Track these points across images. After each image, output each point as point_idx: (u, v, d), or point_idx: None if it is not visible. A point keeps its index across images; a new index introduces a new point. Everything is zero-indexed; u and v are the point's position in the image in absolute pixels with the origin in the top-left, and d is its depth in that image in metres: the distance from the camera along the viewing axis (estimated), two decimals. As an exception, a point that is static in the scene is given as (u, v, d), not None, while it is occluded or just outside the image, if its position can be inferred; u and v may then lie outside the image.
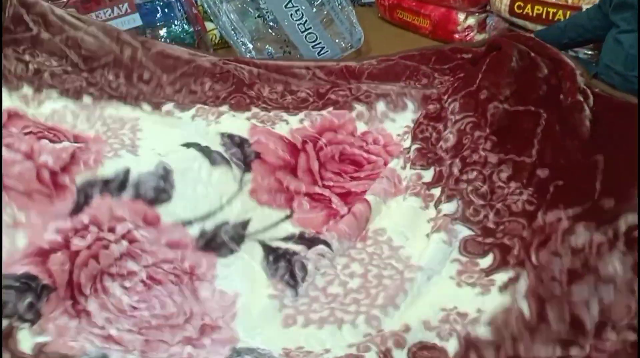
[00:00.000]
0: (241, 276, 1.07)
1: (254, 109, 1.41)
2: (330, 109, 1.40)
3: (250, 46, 1.74)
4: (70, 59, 1.43)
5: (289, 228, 1.16)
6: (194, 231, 1.11)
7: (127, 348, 0.91)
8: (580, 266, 0.92)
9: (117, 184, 1.11)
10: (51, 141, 1.15)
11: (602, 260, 0.91)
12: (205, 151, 1.21)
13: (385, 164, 1.28)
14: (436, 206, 1.16)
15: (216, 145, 1.25)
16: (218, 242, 1.11)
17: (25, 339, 0.88)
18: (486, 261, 1.04)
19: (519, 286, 0.94)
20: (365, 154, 1.33)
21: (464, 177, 1.16)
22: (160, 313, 0.98)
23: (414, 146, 1.27)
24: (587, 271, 0.91)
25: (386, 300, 1.00)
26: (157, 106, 1.39)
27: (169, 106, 1.39)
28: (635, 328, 0.84)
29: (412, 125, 1.34)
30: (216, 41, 1.94)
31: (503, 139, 1.18)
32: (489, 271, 1.02)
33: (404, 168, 1.25)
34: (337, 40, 1.73)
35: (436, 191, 1.19)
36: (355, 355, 0.89)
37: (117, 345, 0.91)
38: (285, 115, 1.40)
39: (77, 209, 1.08)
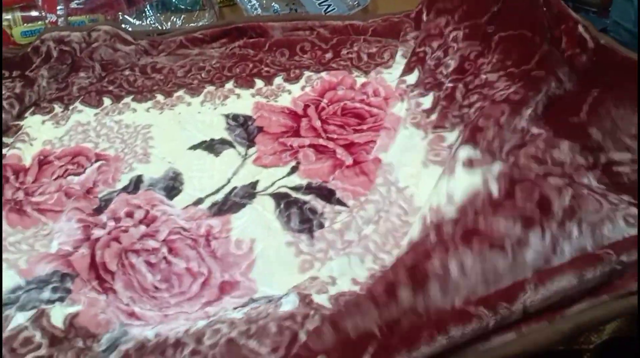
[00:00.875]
0: (256, 223, 1.13)
1: (258, 84, 1.50)
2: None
3: (257, 3, 1.79)
4: (95, 70, 1.58)
5: (297, 180, 1.22)
6: (205, 204, 1.19)
7: (147, 323, 0.96)
8: (559, 174, 0.94)
9: (132, 188, 1.23)
10: (75, 174, 1.28)
11: (578, 174, 0.93)
12: (210, 147, 1.32)
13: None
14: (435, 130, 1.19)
15: (221, 130, 1.36)
16: (229, 204, 1.18)
17: (57, 314, 0.94)
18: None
19: (493, 168, 0.94)
20: (367, 107, 1.38)
21: (466, 102, 1.19)
22: (179, 291, 1.03)
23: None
24: (564, 177, 0.93)
25: (393, 246, 1.05)
26: (169, 94, 1.50)
27: (180, 92, 1.50)
28: None
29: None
30: (220, -1, 1.94)
31: (505, 59, 1.21)
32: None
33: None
34: (344, -2, 1.76)
35: (434, 117, 1.22)
36: (358, 292, 0.93)
37: (139, 320, 0.97)
38: (287, 85, 1.48)
39: (98, 211, 1.18)
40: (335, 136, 1.32)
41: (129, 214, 1.16)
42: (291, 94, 1.47)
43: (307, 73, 1.51)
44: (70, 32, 1.64)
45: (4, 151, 1.35)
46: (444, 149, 1.16)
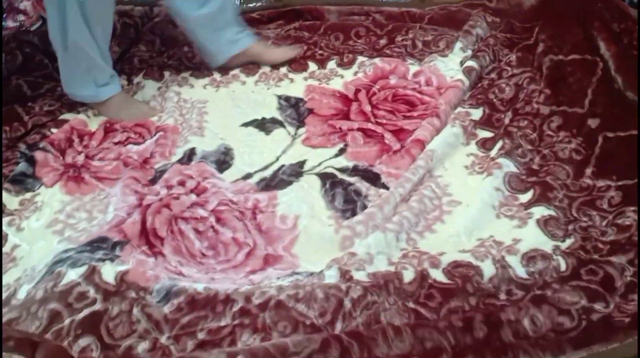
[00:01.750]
0: (301, 200, 1.18)
1: (311, 67, 1.54)
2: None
3: None
4: (156, 44, 1.65)
5: (343, 161, 1.27)
6: (254, 180, 1.25)
7: (194, 280, 1.03)
8: (625, 241, 0.99)
9: (185, 159, 1.30)
10: (136, 143, 1.36)
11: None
12: (261, 126, 1.38)
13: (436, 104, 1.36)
14: (482, 146, 1.26)
15: (273, 110, 1.42)
16: (277, 181, 1.24)
17: (108, 271, 0.99)
18: (526, 197, 1.13)
19: (563, 245, 1.02)
20: (418, 95, 1.41)
21: (515, 124, 1.26)
22: (224, 258, 1.09)
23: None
24: (631, 246, 0.97)
25: (425, 228, 1.11)
26: (225, 72, 1.56)
27: (235, 71, 1.56)
28: None
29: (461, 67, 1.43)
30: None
31: (556, 92, 1.27)
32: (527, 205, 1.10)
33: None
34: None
35: (481, 132, 1.28)
36: (394, 272, 0.98)
37: (186, 277, 1.03)
38: (340, 69, 1.52)
39: (153, 181, 1.24)
40: (384, 121, 1.35)
41: (181, 183, 1.21)
42: (343, 78, 1.50)
43: (360, 58, 1.54)
44: (134, 7, 1.71)
45: (70, 116, 1.42)
46: (487, 163, 1.21)
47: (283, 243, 1.10)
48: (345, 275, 0.96)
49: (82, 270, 0.98)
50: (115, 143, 1.36)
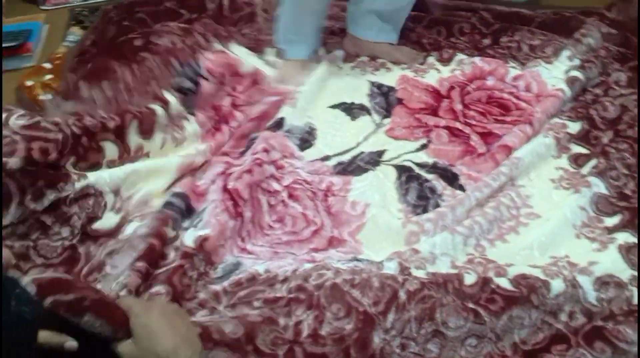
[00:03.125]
0: (374, 189, 1.19)
1: None
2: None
3: None
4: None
5: (423, 157, 1.27)
6: (331, 162, 1.28)
7: (258, 257, 1.07)
8: None
9: (274, 124, 1.34)
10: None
11: None
12: (348, 109, 1.40)
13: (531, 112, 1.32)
14: (574, 162, 1.22)
15: (363, 96, 1.44)
16: (354, 167, 1.26)
17: (189, 236, 1.04)
18: (612, 221, 1.08)
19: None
20: (514, 100, 1.37)
21: (614, 144, 1.22)
22: (291, 229, 1.13)
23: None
24: None
25: (497, 236, 1.09)
26: (329, 51, 1.57)
27: (340, 52, 1.57)
28: None
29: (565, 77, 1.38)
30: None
31: None
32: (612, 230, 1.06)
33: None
34: (516, -14, 1.71)
35: (575, 147, 1.24)
36: (456, 275, 0.97)
37: (250, 255, 1.08)
38: (438, 64, 1.51)
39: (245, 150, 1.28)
40: (473, 122, 1.34)
41: (266, 150, 1.25)
42: (440, 73, 1.49)
43: (459, 56, 1.52)
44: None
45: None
46: (576, 180, 1.17)
47: (349, 228, 1.12)
48: (404, 271, 0.97)
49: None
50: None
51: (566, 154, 1.23)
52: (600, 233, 1.07)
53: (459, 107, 1.37)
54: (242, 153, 1.27)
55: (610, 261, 1.00)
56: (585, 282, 0.96)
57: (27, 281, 0.71)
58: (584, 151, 1.23)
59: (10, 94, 1.42)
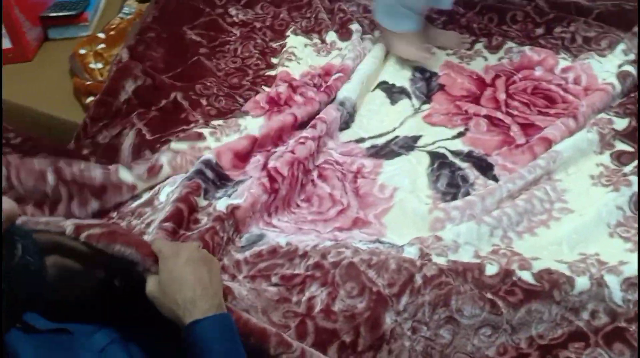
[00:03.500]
0: (404, 174, 1.19)
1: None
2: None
3: None
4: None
5: (459, 145, 1.25)
6: (365, 145, 1.28)
7: (282, 230, 1.08)
8: None
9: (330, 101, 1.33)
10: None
11: None
12: (389, 91, 1.39)
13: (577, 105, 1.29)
14: (617, 159, 1.18)
15: (405, 80, 1.43)
16: (387, 151, 1.26)
17: (222, 203, 1.05)
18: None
19: None
20: (562, 92, 1.34)
21: None
22: (317, 210, 1.14)
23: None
24: None
25: (526, 229, 1.07)
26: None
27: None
28: None
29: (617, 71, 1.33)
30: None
31: None
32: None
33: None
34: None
35: (619, 144, 1.20)
36: (478, 265, 0.96)
37: (275, 228, 1.09)
38: (485, 52, 1.48)
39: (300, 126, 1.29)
40: (515, 112, 1.31)
41: (313, 126, 1.24)
42: (487, 61, 1.46)
43: (509, 44, 1.49)
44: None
45: (273, 71, 1.48)
46: (616, 178, 1.13)
47: (375, 211, 1.13)
48: (424, 257, 0.97)
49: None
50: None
51: (609, 150, 1.19)
52: (635, 233, 1.03)
53: (502, 96, 1.34)
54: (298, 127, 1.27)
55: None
56: (613, 281, 0.93)
57: (68, 224, 0.75)
58: (628, 148, 1.19)
59: (64, 62, 1.49)
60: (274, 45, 1.56)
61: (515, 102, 1.33)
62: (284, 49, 1.52)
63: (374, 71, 1.43)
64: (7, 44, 1.49)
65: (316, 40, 1.57)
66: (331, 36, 1.56)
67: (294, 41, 1.54)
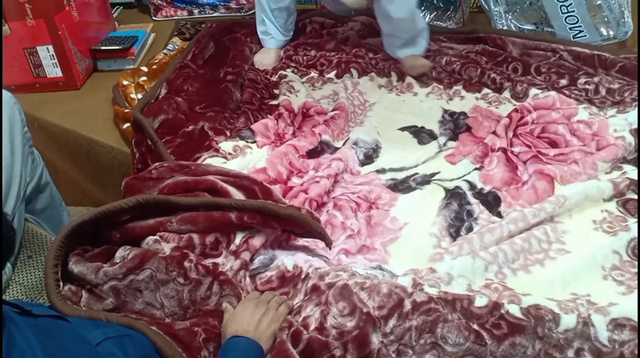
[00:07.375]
0: (416, 210, 1.28)
1: (485, 90, 1.64)
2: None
3: (503, 12, 1.87)
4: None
5: (475, 179, 1.34)
6: (385, 176, 1.38)
7: (291, 251, 1.16)
8: None
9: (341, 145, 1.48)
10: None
11: None
12: (417, 133, 1.52)
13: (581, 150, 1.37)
14: (623, 206, 1.23)
15: (434, 122, 1.55)
16: (405, 186, 1.36)
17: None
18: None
19: None
20: (568, 136, 1.41)
21: None
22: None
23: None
24: None
25: (521, 266, 1.13)
26: (402, 78, 1.73)
27: (410, 79, 1.72)
28: None
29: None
30: (472, 5, 2.08)
31: None
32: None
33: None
34: (600, 28, 1.73)
35: (631, 194, 1.25)
36: (467, 296, 1.01)
37: (284, 250, 1.18)
38: (514, 100, 1.59)
39: (310, 154, 1.44)
40: (518, 151, 1.40)
41: (328, 166, 1.37)
42: (514, 105, 1.56)
43: (534, 91, 1.57)
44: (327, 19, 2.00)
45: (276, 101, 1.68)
46: (619, 227, 1.19)
47: (382, 239, 1.22)
48: (417, 286, 1.03)
49: None
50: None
51: (618, 198, 1.24)
52: (630, 277, 1.07)
53: (509, 134, 1.44)
54: (310, 153, 1.43)
55: (632, 305, 1.00)
56: (599, 321, 0.96)
57: None
58: (636, 197, 1.24)
59: (108, 90, 1.67)
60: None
61: (518, 140, 1.42)
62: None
63: (390, 115, 1.57)
64: (57, 72, 1.69)
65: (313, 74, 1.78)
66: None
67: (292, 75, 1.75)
